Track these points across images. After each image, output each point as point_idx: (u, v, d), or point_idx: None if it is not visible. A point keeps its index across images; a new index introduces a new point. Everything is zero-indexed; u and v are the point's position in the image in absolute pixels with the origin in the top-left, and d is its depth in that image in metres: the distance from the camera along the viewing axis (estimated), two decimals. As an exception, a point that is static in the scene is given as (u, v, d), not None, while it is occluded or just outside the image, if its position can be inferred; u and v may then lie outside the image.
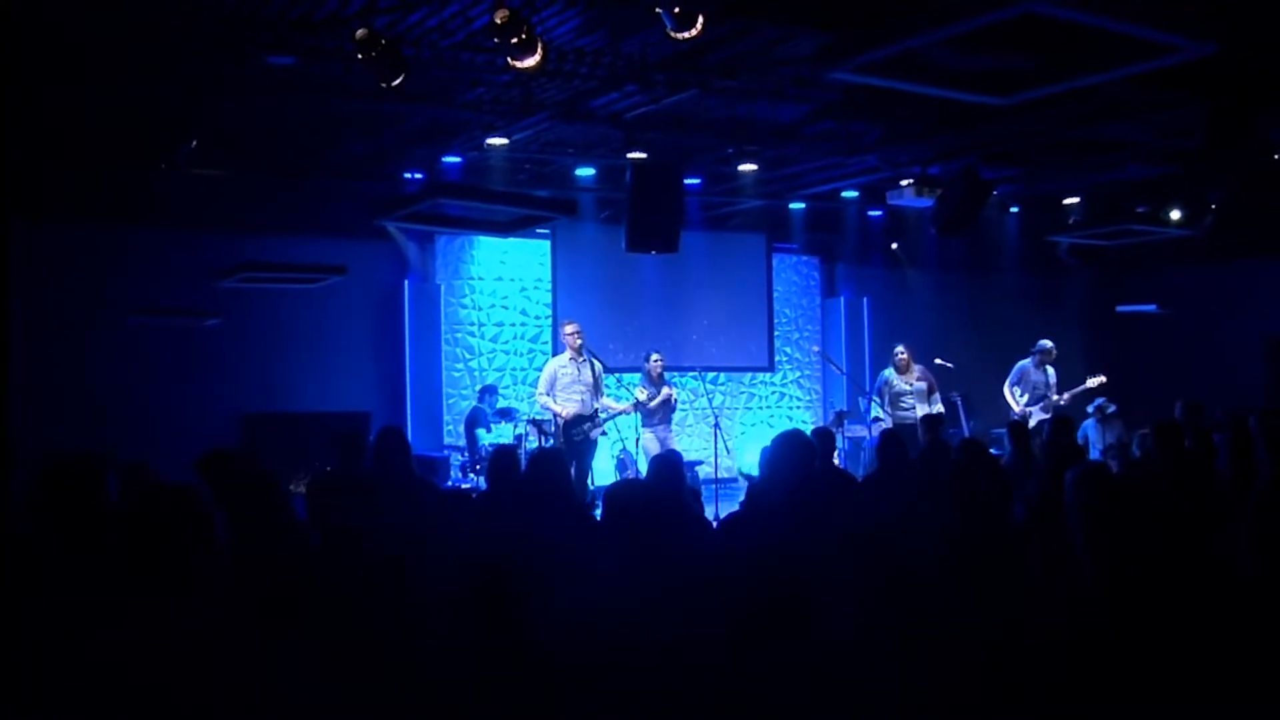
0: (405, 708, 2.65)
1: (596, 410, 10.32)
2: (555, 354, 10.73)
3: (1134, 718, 2.86)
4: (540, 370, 10.87)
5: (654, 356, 11.06)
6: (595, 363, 10.37)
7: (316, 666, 2.56)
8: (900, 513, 5.59)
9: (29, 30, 6.74)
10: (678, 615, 3.31)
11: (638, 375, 11.66)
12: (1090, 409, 12.14)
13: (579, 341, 10.27)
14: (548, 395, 10.14)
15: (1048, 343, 12.29)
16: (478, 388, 12.13)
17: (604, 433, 10.67)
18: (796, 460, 5.07)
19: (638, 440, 11.15)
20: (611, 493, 4.33)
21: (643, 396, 10.84)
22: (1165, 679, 2.89)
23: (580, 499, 9.14)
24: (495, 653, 2.93)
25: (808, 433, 5.76)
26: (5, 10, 6.45)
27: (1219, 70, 6.40)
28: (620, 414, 10.72)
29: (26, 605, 2.72)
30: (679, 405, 11.30)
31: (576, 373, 10.20)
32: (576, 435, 10.07)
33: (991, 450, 7.71)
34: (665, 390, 10.89)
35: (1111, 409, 12.14)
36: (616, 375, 11.75)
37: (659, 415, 10.87)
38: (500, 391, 12.08)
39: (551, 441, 10.17)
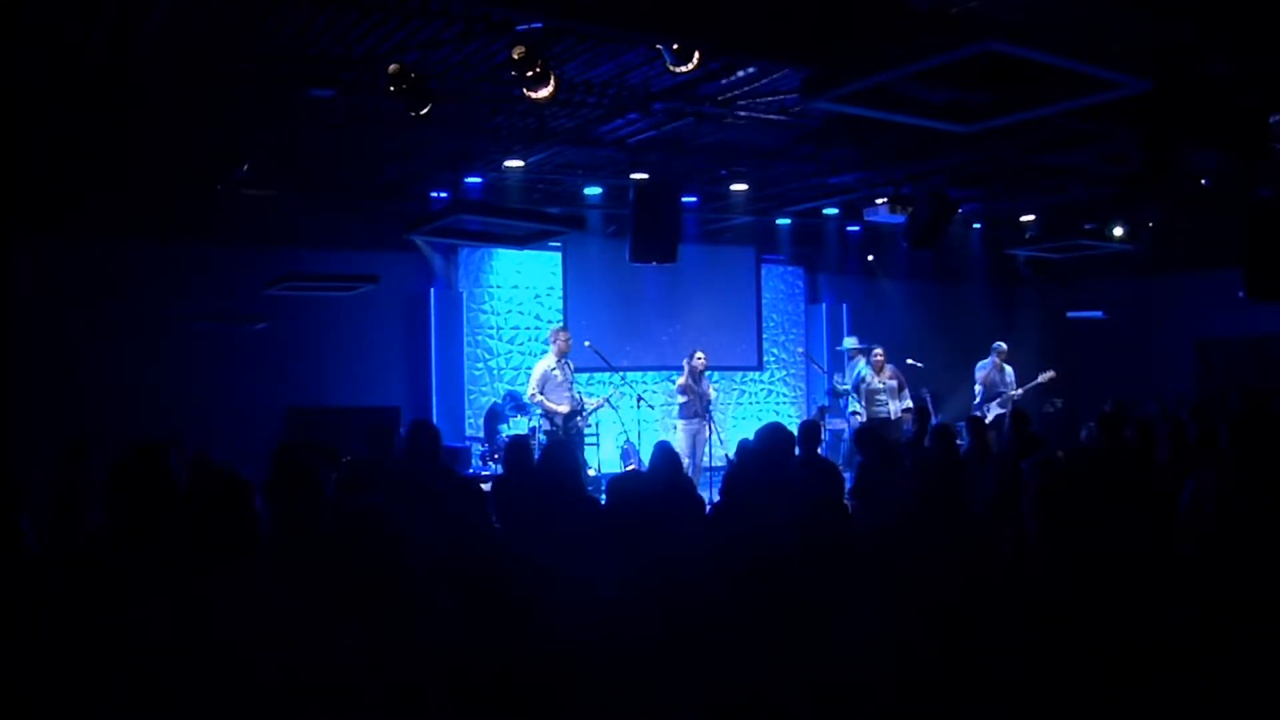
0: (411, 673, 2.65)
1: (584, 405, 10.42)
2: (559, 354, 10.57)
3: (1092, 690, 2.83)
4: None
5: (698, 354, 11.05)
6: (570, 363, 10.43)
7: (343, 621, 2.57)
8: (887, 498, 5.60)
9: (110, 78, 6.85)
10: (673, 591, 3.31)
11: (639, 374, 11.73)
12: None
13: (568, 347, 10.35)
14: (541, 394, 10.16)
15: (1002, 344, 12.37)
16: (502, 390, 12.15)
17: (589, 425, 10.80)
18: (779, 448, 5.10)
19: (639, 434, 11.21)
20: (615, 483, 4.34)
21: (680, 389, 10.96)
22: (1115, 647, 2.87)
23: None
24: (495, 627, 2.91)
25: (789, 425, 5.78)
26: (99, 68, 6.57)
27: (1152, 106, 6.45)
28: (596, 409, 10.84)
29: (108, 568, 2.76)
30: (675, 400, 11.37)
31: (564, 374, 10.26)
32: (572, 430, 10.15)
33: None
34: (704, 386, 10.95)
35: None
36: (621, 374, 11.80)
37: (694, 408, 10.95)
38: (517, 390, 12.11)
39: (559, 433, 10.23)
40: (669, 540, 3.85)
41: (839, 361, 14.56)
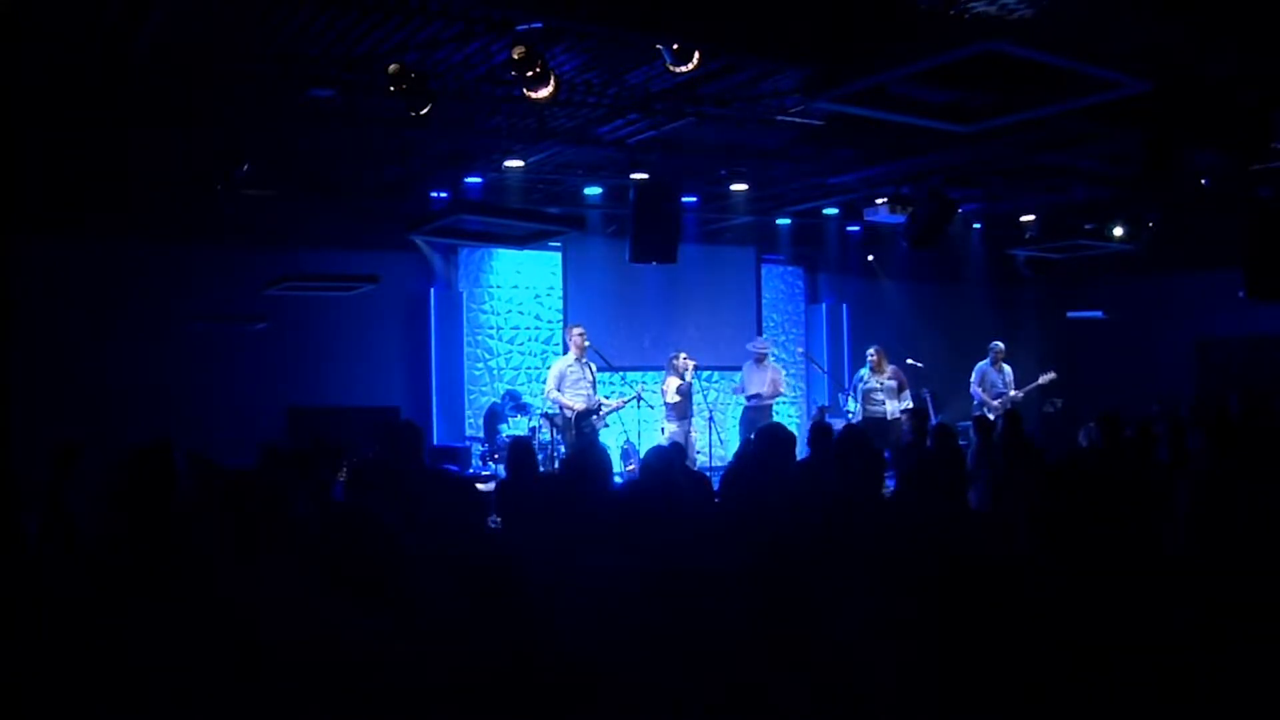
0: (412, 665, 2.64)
1: (600, 405, 10.40)
2: (565, 353, 10.70)
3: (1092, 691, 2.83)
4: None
5: (682, 355, 11.08)
6: (592, 363, 10.44)
7: (350, 613, 2.58)
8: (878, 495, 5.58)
9: (110, 78, 6.86)
10: (676, 590, 3.31)
11: (638, 374, 11.70)
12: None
13: (585, 343, 10.33)
14: (558, 391, 10.17)
15: (999, 344, 12.38)
16: (501, 389, 12.15)
17: (607, 425, 10.74)
18: (780, 449, 5.09)
19: (639, 434, 11.18)
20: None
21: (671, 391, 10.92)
22: (1111, 647, 2.87)
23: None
24: (495, 627, 2.91)
25: (790, 425, 5.78)
26: (105, 74, 6.58)
27: (1152, 106, 6.47)
28: (616, 409, 10.81)
29: (110, 567, 2.76)
30: (669, 401, 11.31)
31: (581, 372, 10.25)
32: (586, 428, 10.13)
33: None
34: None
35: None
36: (621, 373, 11.79)
37: (684, 409, 10.94)
38: (517, 390, 12.10)
39: (561, 434, 10.21)
40: (670, 540, 3.85)
41: (840, 361, 14.56)
